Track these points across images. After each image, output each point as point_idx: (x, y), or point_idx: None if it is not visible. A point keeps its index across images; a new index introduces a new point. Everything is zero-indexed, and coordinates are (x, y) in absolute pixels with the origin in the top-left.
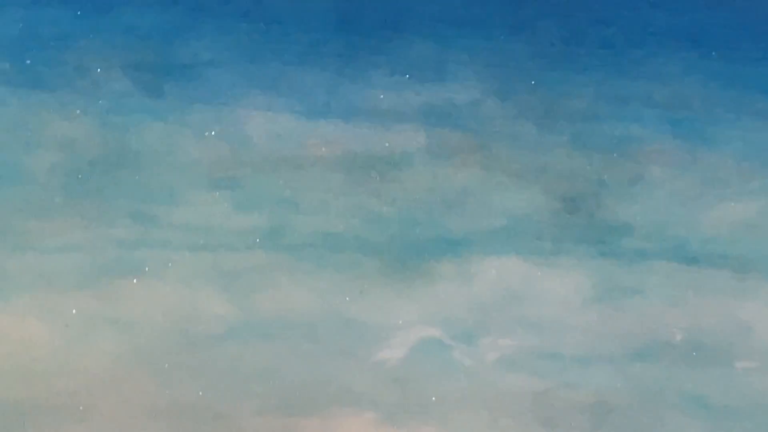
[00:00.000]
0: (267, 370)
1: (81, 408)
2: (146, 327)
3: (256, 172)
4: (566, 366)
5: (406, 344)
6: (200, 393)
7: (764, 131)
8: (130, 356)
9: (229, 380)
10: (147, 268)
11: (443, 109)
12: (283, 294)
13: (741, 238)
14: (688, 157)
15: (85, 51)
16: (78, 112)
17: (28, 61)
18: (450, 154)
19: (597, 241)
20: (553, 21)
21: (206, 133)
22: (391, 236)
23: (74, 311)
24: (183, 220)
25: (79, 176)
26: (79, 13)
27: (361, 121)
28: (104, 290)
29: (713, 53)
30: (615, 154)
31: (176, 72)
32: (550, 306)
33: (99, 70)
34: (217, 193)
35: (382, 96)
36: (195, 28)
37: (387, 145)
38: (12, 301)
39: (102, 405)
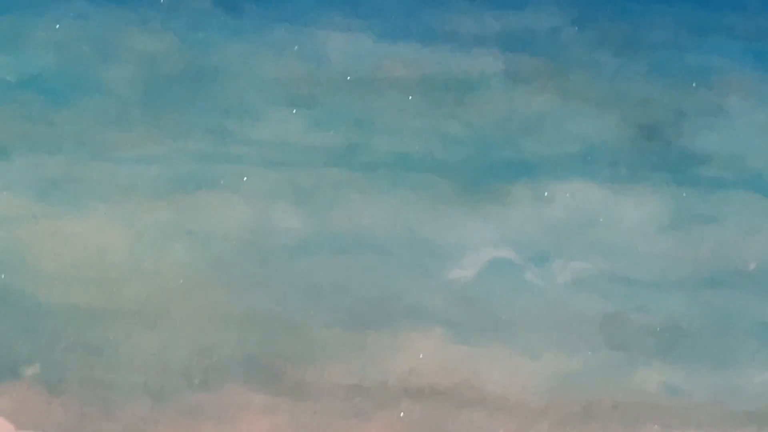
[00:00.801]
0: (338, 285)
1: (154, 315)
2: (220, 239)
3: (333, 92)
4: (638, 291)
5: (478, 264)
6: (272, 304)
7: None
8: (204, 266)
9: (301, 293)
10: (222, 182)
11: (522, 36)
12: (356, 211)
13: None
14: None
15: None
16: (159, 27)
17: None
18: (527, 79)
19: (673, 170)
20: None
21: (285, 52)
22: (465, 158)
23: (149, 222)
24: (259, 136)
25: (158, 90)
26: None
27: (439, 45)
28: (179, 202)
29: None
30: (694, 84)
31: None
32: (624, 231)
33: None
34: (294, 110)
35: (461, 20)
36: None
37: (464, 68)
38: (89, 210)
39: (174, 312)
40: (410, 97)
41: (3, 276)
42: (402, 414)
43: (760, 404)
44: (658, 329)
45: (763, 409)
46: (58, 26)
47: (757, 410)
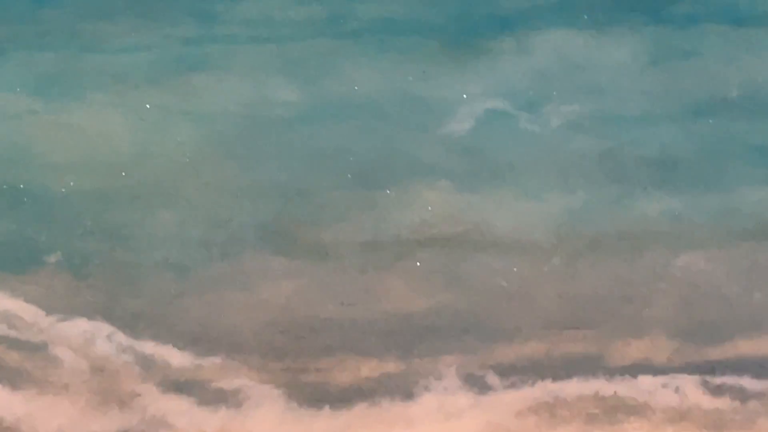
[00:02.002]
0: (340, 149)
1: (166, 194)
2: (219, 116)
3: None
4: (629, 126)
5: (472, 116)
6: (279, 172)
7: None
8: (207, 144)
9: (305, 160)
10: (213, 62)
11: None
12: (348, 78)
13: None
14: None
15: None
16: None
17: None
18: None
19: (649, 10)
20: None
21: None
22: (448, 18)
23: (148, 105)
24: (244, 15)
25: None
26: None
27: None
28: (174, 85)
29: None
30: None
31: None
32: (609, 72)
33: None
34: None
35: None
36: None
37: None
38: (87, 99)
39: (185, 190)
40: None
41: (13, 170)
42: (418, 263)
43: (756, 221)
44: (653, 160)
45: (758, 225)
46: None
47: (753, 227)
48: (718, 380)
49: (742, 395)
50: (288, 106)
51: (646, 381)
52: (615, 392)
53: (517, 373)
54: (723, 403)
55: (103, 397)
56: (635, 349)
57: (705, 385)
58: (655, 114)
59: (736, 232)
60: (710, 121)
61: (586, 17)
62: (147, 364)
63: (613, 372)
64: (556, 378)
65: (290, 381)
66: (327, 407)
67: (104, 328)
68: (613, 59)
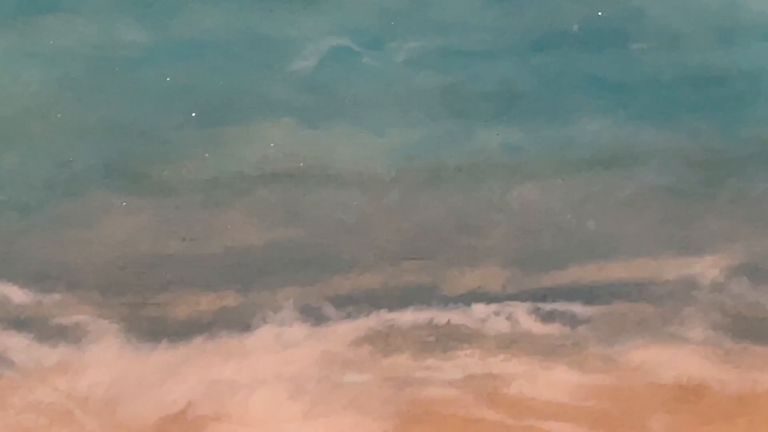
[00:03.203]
0: (186, 87)
1: (11, 136)
2: (66, 57)
3: None
4: (472, 61)
5: (317, 54)
6: (124, 112)
7: None
8: (53, 85)
9: (150, 99)
10: (62, 4)
11: None
12: (195, 18)
13: None
14: None
15: None
16: None
17: None
18: None
19: None
20: None
21: None
22: None
23: None
24: None
25: None
26: None
27: None
28: (22, 26)
29: None
30: None
31: None
32: (454, 8)
33: None
34: None
35: None
36: None
37: None
38: None
39: (31, 131)
40: None
41: None
42: (260, 198)
43: (593, 151)
44: (494, 94)
45: (595, 155)
46: None
47: (590, 156)
48: (549, 307)
49: (572, 321)
50: (135, 46)
51: (479, 309)
52: (449, 320)
53: (354, 303)
54: (553, 328)
55: None
56: (470, 279)
57: (536, 312)
58: (497, 48)
59: (572, 162)
60: (551, 54)
61: None
62: None
63: (447, 301)
64: (391, 308)
65: (129, 316)
66: (165, 340)
67: None
68: None
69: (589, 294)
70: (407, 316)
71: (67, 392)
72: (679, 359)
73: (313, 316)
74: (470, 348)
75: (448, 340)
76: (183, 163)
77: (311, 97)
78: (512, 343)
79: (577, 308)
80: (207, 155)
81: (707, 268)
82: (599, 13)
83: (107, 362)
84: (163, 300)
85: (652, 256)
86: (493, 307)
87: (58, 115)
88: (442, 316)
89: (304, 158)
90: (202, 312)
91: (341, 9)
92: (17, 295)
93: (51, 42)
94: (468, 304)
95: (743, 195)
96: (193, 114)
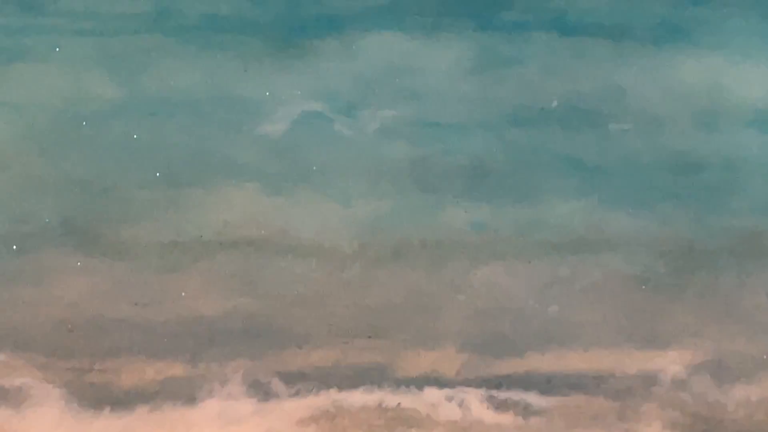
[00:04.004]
0: (152, 146)
1: None
2: (33, 109)
3: None
4: (445, 133)
5: (289, 118)
6: (87, 168)
7: None
8: (18, 136)
9: (115, 156)
10: (34, 54)
11: None
12: (167, 75)
13: (618, 7)
14: None
15: None
16: None
17: None
18: None
19: (477, 15)
20: None
21: None
22: (275, 16)
23: None
24: (69, 6)
25: None
26: None
27: None
28: None
29: None
30: None
31: None
32: (430, 79)
33: None
34: None
35: None
36: None
37: None
38: None
39: None
40: None
41: None
42: (218, 266)
43: (560, 234)
44: (464, 169)
45: (563, 238)
46: None
47: (557, 240)
48: (503, 395)
49: (525, 412)
50: (104, 101)
51: (431, 393)
52: (399, 404)
53: (303, 380)
54: (506, 418)
55: None
56: (424, 361)
57: (490, 399)
58: (472, 121)
59: (539, 245)
60: (527, 130)
61: (415, 20)
62: None
63: (399, 383)
64: (341, 387)
65: (73, 381)
66: (108, 409)
67: None
68: (436, 64)
69: (546, 384)
70: (356, 397)
71: None
72: None
73: (261, 391)
74: None
75: (396, 424)
76: (142, 224)
77: (278, 162)
78: (463, 431)
79: (533, 398)
80: (167, 217)
81: (670, 363)
82: (579, 90)
83: (47, 429)
84: (109, 366)
85: (614, 347)
86: (446, 392)
87: (21, 168)
88: (392, 399)
89: (265, 225)
90: (148, 381)
91: (317, 72)
92: None
93: (19, 92)
94: (420, 387)
95: (712, 289)
96: (158, 173)
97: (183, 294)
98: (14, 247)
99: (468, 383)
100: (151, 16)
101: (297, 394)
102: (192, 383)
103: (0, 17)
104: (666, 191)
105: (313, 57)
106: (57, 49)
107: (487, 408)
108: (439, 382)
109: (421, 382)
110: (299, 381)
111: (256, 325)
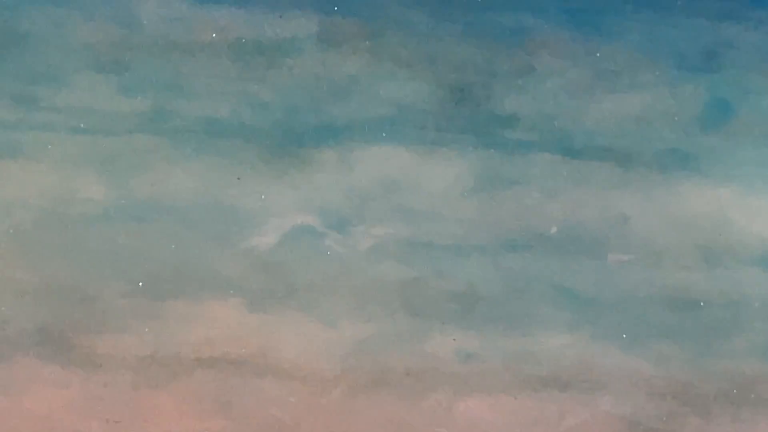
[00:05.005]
0: (137, 254)
1: None
2: (20, 208)
3: (144, 56)
4: (439, 255)
5: (279, 231)
6: (68, 274)
7: (661, 23)
8: (3, 236)
9: (98, 262)
10: (25, 150)
11: None
12: (159, 178)
13: (627, 131)
14: (581, 49)
15: None
16: None
17: None
18: (340, 41)
19: (480, 132)
20: None
21: (96, 16)
22: (273, 123)
23: None
24: (65, 102)
25: None
26: None
27: (251, 8)
28: None
29: None
30: (507, 45)
31: None
32: (428, 196)
33: None
34: (102, 76)
35: None
36: None
37: (277, 31)
38: None
39: None
40: (221, 62)
41: None
42: (195, 384)
43: (553, 369)
44: (456, 294)
45: (552, 374)
46: None
47: (549, 375)
48: None
49: None
50: (92, 203)
51: None
52: None
53: None
54: None
55: None
56: None
57: None
58: (467, 244)
59: (527, 379)
60: (522, 256)
61: (417, 133)
62: None
63: None
64: None
65: None
66: None
67: None
68: (434, 182)
69: None
70: None
71: None
72: None
73: None
74: None
75: None
76: (121, 336)
77: (264, 278)
78: None
79: None
80: (147, 330)
81: None
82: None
83: None
84: None
85: None
86: None
87: None
88: None
89: (246, 344)
90: None
91: (312, 184)
92: None
93: (7, 190)
94: None
95: None
96: (140, 283)
97: (157, 412)
98: None
99: None
100: (148, 115)
101: None
102: None
103: None
104: (662, 328)
105: (310, 168)
106: (49, 147)
107: None
108: None
109: None
110: None
111: None
